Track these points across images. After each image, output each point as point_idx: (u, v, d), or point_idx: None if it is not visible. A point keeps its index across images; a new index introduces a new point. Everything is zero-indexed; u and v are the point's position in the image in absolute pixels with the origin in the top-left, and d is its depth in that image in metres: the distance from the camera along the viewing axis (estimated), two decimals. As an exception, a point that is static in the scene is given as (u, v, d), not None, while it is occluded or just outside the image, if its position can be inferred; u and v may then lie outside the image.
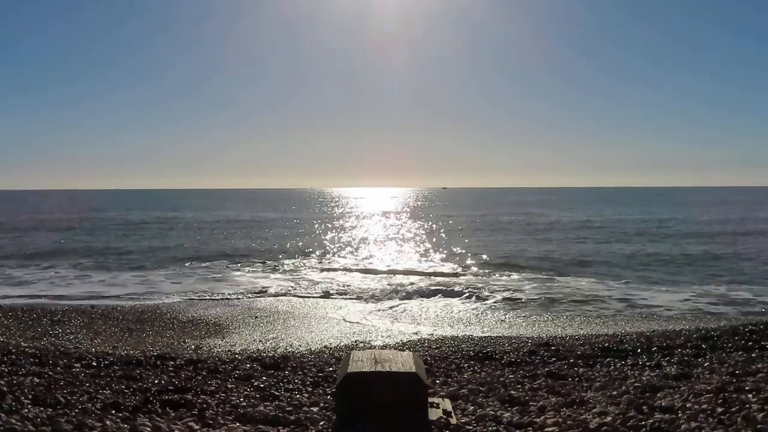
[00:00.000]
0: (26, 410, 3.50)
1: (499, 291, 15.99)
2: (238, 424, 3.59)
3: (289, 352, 8.58)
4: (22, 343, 8.18)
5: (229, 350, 8.99)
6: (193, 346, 9.41)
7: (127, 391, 4.43)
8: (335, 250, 27.77)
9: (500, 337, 9.72)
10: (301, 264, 22.20)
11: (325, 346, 9.27)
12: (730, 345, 6.60)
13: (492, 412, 3.87)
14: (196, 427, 3.48)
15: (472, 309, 13.40)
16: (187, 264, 22.03)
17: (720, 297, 14.92)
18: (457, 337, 9.90)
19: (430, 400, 3.75)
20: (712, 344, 6.76)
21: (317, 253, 26.14)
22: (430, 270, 20.38)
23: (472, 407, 4.12)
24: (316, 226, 44.57)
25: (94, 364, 5.76)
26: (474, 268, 20.77)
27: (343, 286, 16.89)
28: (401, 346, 9.11)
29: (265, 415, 3.76)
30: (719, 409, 3.48)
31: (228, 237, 34.37)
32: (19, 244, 29.40)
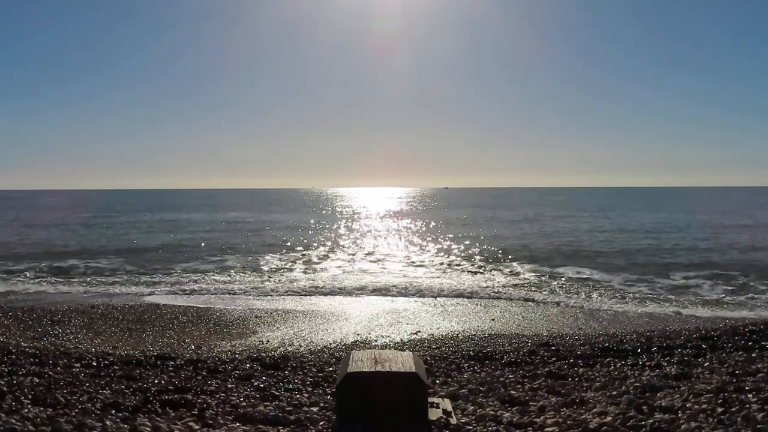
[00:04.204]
0: (26, 410, 3.50)
1: (501, 291, 15.99)
2: (238, 424, 3.59)
3: (289, 352, 8.58)
4: (22, 343, 8.19)
5: (229, 350, 8.99)
6: (193, 346, 9.41)
7: (127, 391, 4.43)
8: (335, 249, 27.75)
9: (500, 336, 9.72)
10: (302, 264, 22.21)
11: (325, 346, 9.27)
12: (730, 345, 6.60)
13: (492, 412, 3.87)
14: (196, 427, 3.48)
15: (474, 309, 13.39)
16: (187, 265, 22.03)
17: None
18: (457, 337, 9.90)
19: (430, 400, 3.75)
20: (712, 344, 6.75)
21: (316, 252, 26.14)
22: (432, 269, 20.37)
23: (472, 407, 4.12)
24: (317, 225, 44.54)
25: (94, 364, 5.76)
26: (476, 268, 20.76)
27: (343, 286, 16.88)
28: (401, 346, 9.11)
29: (265, 415, 3.76)
30: (719, 409, 3.48)
31: (230, 237, 34.37)
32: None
